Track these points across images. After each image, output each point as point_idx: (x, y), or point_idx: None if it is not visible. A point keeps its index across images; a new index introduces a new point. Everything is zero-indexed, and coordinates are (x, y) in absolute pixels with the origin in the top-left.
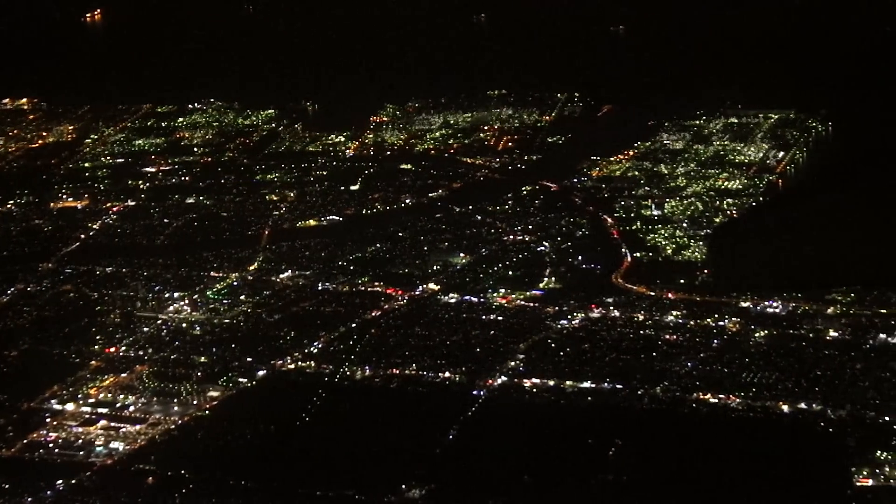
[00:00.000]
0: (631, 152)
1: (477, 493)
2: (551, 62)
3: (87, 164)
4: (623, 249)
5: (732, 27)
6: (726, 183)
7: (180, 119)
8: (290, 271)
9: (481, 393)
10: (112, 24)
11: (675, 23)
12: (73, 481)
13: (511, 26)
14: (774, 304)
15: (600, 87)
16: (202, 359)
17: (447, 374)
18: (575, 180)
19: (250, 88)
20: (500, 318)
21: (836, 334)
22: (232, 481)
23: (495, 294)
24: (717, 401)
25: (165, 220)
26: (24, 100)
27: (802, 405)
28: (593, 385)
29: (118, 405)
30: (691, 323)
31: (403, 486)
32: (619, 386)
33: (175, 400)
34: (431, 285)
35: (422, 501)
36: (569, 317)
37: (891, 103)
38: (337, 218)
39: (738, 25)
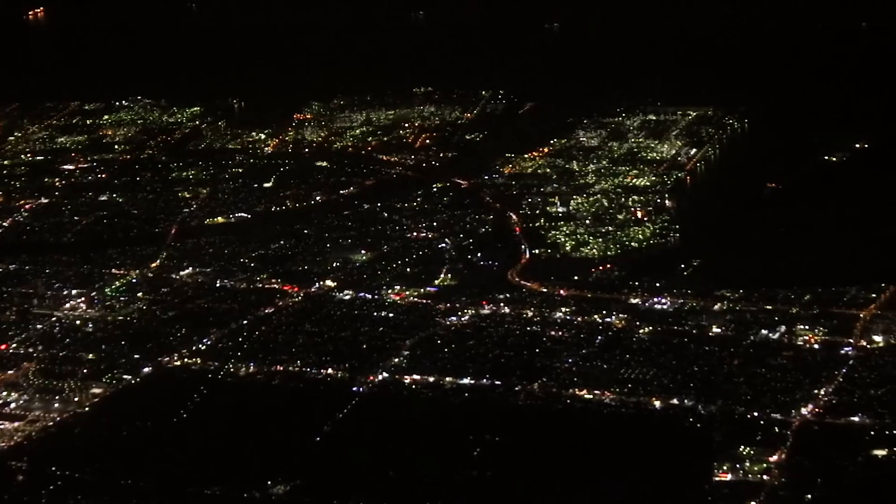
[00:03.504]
0: (546, 149)
1: (340, 489)
2: (481, 59)
3: (6, 162)
4: (522, 246)
5: (663, 25)
6: (635, 180)
7: (105, 116)
8: (190, 268)
9: (360, 389)
10: (55, 21)
11: (610, 21)
12: None
13: (449, 22)
14: (663, 301)
15: (525, 84)
16: (90, 356)
17: (330, 371)
18: (486, 177)
19: (178, 85)
20: (391, 314)
21: (718, 330)
22: (101, 479)
23: (390, 291)
24: (591, 397)
25: (76, 218)
26: None
27: (675, 401)
28: (472, 381)
29: None
30: (578, 319)
31: (269, 483)
32: (497, 382)
33: (57, 397)
34: (328, 282)
35: (285, 497)
36: (459, 313)
37: (816, 101)
38: (245, 215)
39: (669, 24)
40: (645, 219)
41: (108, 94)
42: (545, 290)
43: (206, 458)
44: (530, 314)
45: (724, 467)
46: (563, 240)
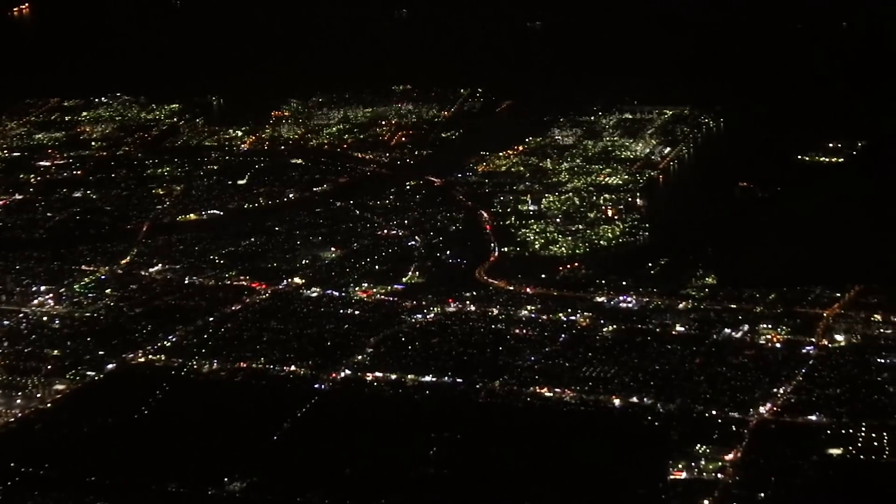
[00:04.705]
0: (521, 147)
1: (296, 486)
2: (462, 57)
3: None
4: (492, 244)
5: (642, 25)
6: (607, 179)
7: (84, 113)
8: (160, 265)
9: (322, 386)
10: (40, 18)
11: (591, 20)
12: None
13: (433, 20)
14: (628, 299)
15: (503, 82)
16: (55, 352)
17: (293, 368)
18: (459, 175)
19: (158, 82)
20: (357, 312)
21: (682, 329)
22: (61, 475)
23: (357, 288)
24: (552, 395)
25: (49, 214)
26: None
27: (634, 399)
28: (434, 379)
29: None
30: (543, 317)
31: (226, 479)
32: (459, 380)
33: (20, 393)
34: (296, 279)
35: (242, 494)
36: (425, 311)
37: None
38: (218, 212)
39: (647, 24)
40: (615, 217)
41: (89, 91)
42: (511, 288)
43: (165, 454)
44: (495, 312)
45: (680, 465)
46: (532, 238)
